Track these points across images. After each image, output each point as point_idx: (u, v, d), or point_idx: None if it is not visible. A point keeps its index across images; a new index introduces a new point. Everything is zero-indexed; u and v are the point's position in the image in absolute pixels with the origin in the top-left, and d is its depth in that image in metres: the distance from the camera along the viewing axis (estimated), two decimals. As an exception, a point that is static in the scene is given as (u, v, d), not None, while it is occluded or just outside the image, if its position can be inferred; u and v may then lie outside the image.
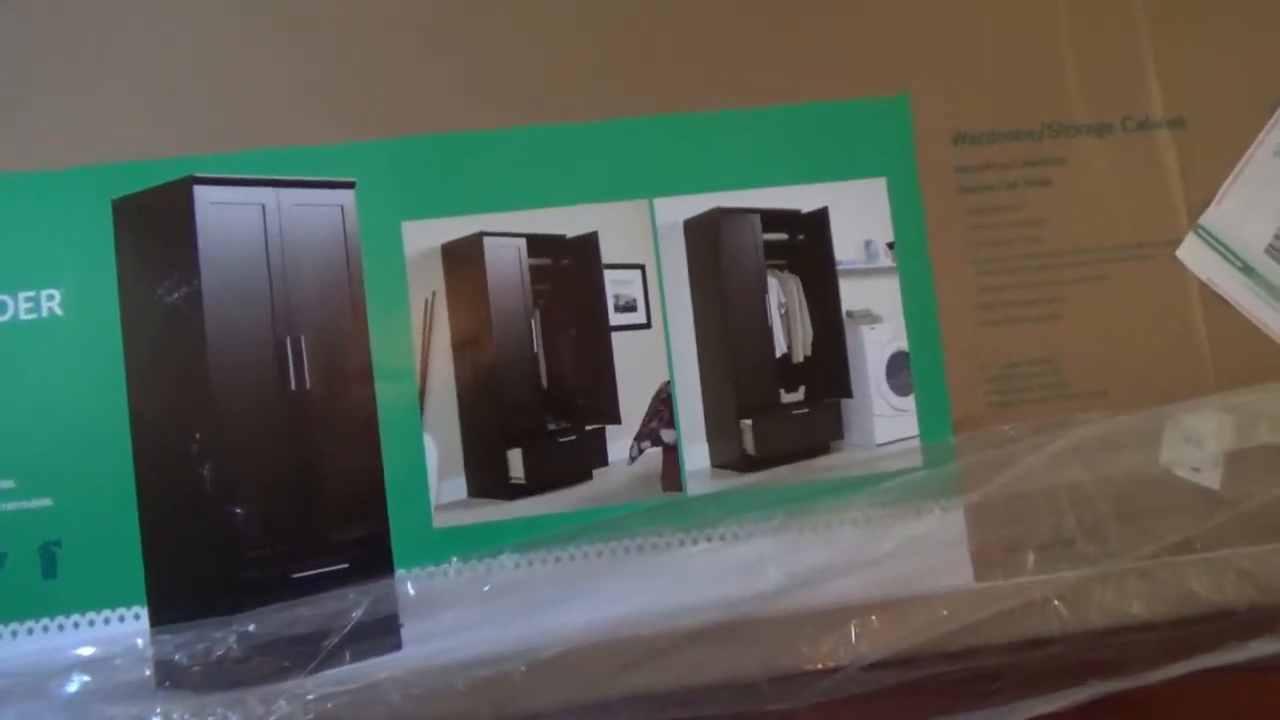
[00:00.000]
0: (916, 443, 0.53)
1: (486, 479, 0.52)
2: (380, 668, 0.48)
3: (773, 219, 0.55)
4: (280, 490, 0.50)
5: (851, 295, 0.54)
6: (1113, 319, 0.54)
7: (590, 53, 0.53)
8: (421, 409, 0.51)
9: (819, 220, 0.54)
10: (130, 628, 0.48)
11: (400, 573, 0.50)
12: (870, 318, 0.54)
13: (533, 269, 0.56)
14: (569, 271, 0.55)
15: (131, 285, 0.50)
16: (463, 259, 0.53)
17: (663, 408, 0.53)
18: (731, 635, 0.50)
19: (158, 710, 0.46)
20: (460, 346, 0.52)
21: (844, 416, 0.56)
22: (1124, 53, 0.55)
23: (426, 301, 0.52)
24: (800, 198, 0.54)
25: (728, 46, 0.54)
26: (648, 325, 0.53)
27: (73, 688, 0.46)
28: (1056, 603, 0.51)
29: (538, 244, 0.54)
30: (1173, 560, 0.51)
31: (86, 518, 0.49)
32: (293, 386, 0.51)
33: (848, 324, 0.55)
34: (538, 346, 0.56)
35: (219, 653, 0.47)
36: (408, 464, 0.51)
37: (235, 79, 0.52)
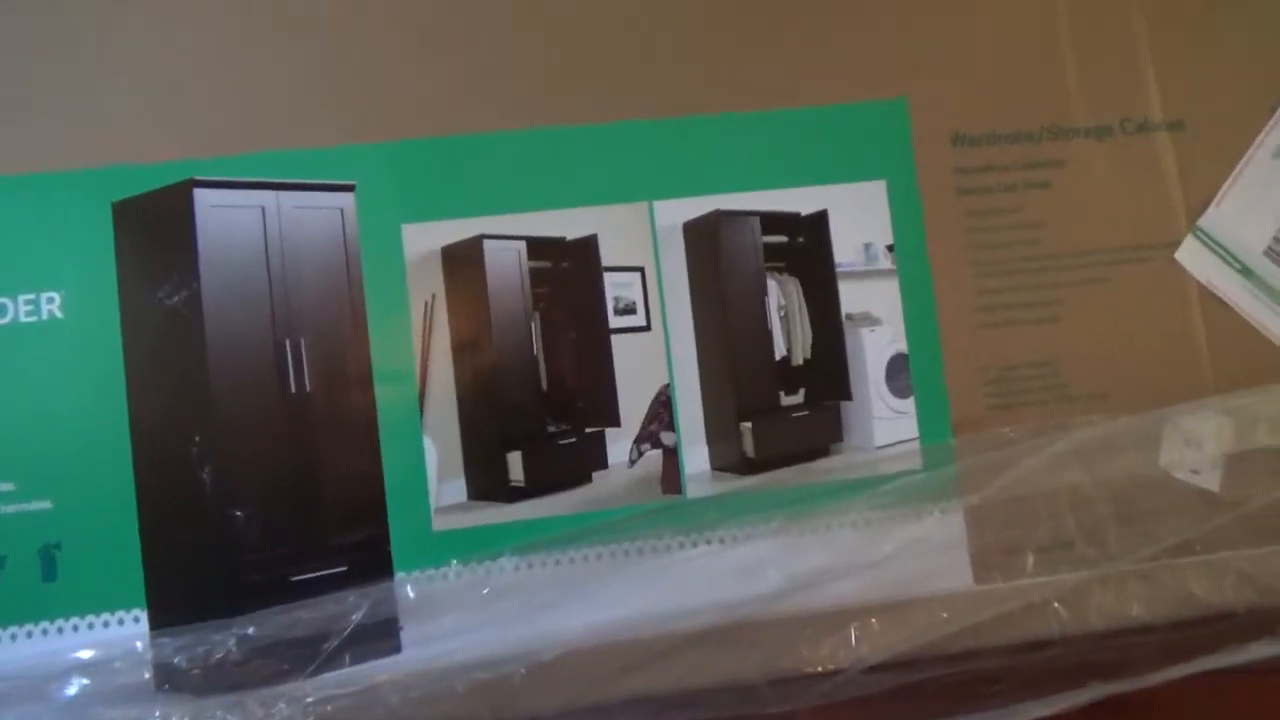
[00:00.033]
0: (916, 445, 0.53)
1: (486, 482, 0.52)
2: (380, 670, 0.48)
3: (772, 221, 0.55)
4: (280, 493, 0.50)
5: (851, 298, 0.54)
6: (1112, 321, 0.54)
7: (590, 55, 0.53)
8: (421, 412, 0.51)
9: (818, 223, 0.54)
10: (130, 631, 0.48)
11: (400, 576, 0.50)
12: (869, 320, 0.54)
13: (532, 271, 0.56)
14: (569, 274, 0.55)
15: (131, 288, 0.50)
16: (463, 262, 0.53)
17: (662, 410, 0.53)
18: (731, 638, 0.50)
19: (157, 713, 0.46)
20: (460, 349, 0.52)
21: (843, 419, 0.56)
22: (1123, 55, 0.55)
23: (426, 304, 0.52)
24: (800, 200, 0.54)
25: (727, 49, 0.54)
26: (647, 328, 0.53)
27: (72, 691, 0.46)
28: (1056, 605, 0.51)
29: (538, 246, 0.54)
30: (1172, 562, 0.51)
31: (86, 520, 0.49)
32: (292, 389, 0.51)
33: (847, 326, 0.55)
34: (537, 349, 0.56)
35: (218, 656, 0.47)
36: (407, 467, 0.51)
37: (235, 81, 0.52)
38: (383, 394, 0.51)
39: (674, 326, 0.53)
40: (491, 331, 0.56)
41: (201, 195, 0.50)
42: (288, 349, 0.51)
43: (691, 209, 0.53)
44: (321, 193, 0.51)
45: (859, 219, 0.54)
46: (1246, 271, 0.54)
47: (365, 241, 0.51)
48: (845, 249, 0.54)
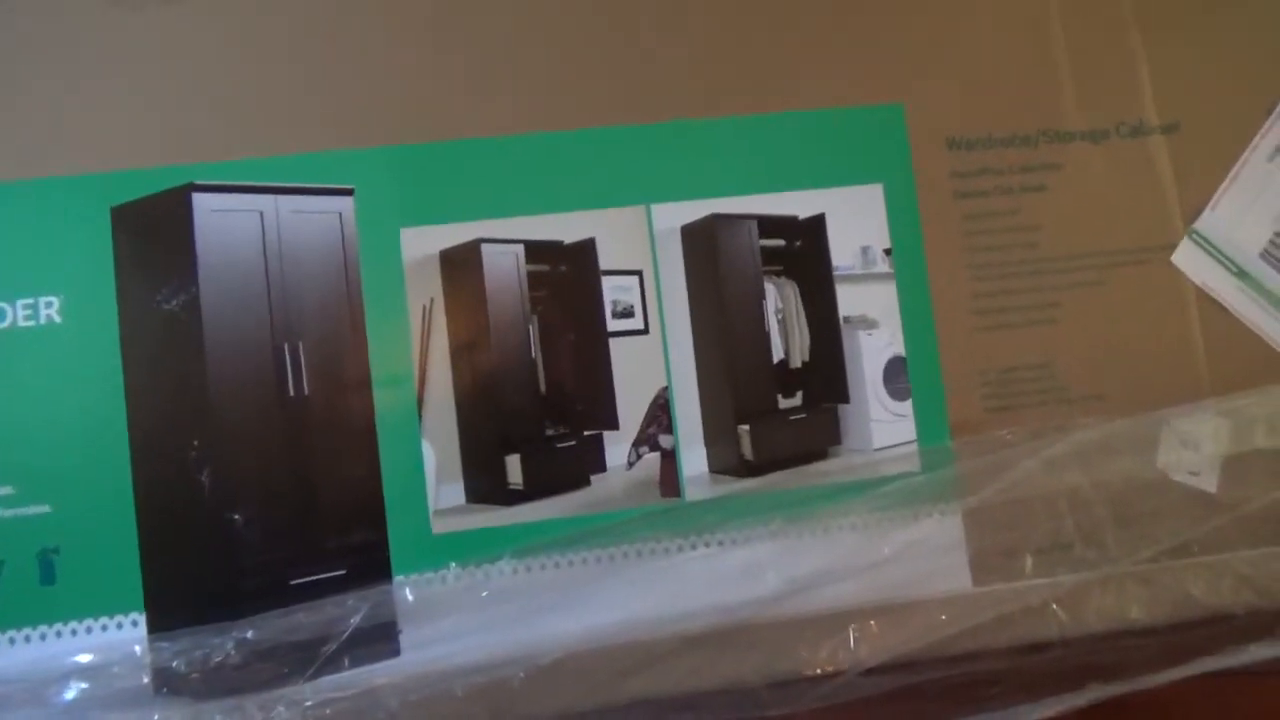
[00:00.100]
0: (914, 448, 0.53)
1: (485, 485, 0.52)
2: (378, 674, 0.48)
3: (770, 225, 0.55)
4: (279, 497, 0.50)
5: (848, 301, 0.54)
6: (1109, 324, 0.54)
7: (588, 60, 0.54)
8: (420, 415, 0.51)
9: (816, 226, 0.54)
10: (128, 634, 0.48)
11: (399, 579, 0.50)
12: (867, 323, 0.55)
13: (531, 275, 0.56)
14: (567, 277, 0.55)
15: (130, 292, 0.50)
16: (461, 265, 0.53)
17: (661, 413, 0.53)
18: (730, 641, 0.50)
19: (156, 717, 0.46)
20: (458, 353, 0.52)
21: (841, 422, 0.56)
22: (1118, 59, 0.55)
23: (425, 308, 0.52)
24: (797, 204, 0.54)
25: (725, 54, 0.54)
26: (645, 331, 0.53)
27: (71, 695, 0.46)
28: (1055, 607, 0.51)
29: (536, 250, 0.54)
30: (1171, 564, 0.51)
31: (85, 524, 0.49)
32: (291, 393, 0.51)
33: (845, 329, 0.55)
34: (536, 352, 0.56)
35: (217, 659, 0.47)
36: (406, 470, 0.51)
37: (234, 87, 0.52)
38: (381, 397, 0.51)
39: (672, 330, 0.53)
40: (490, 335, 0.56)
41: (200, 200, 0.50)
42: (286, 353, 0.51)
43: (689, 212, 0.53)
44: (320, 197, 0.51)
45: (856, 222, 0.54)
46: (1242, 274, 0.54)
47: (364, 245, 0.52)
48: (843, 252, 0.54)
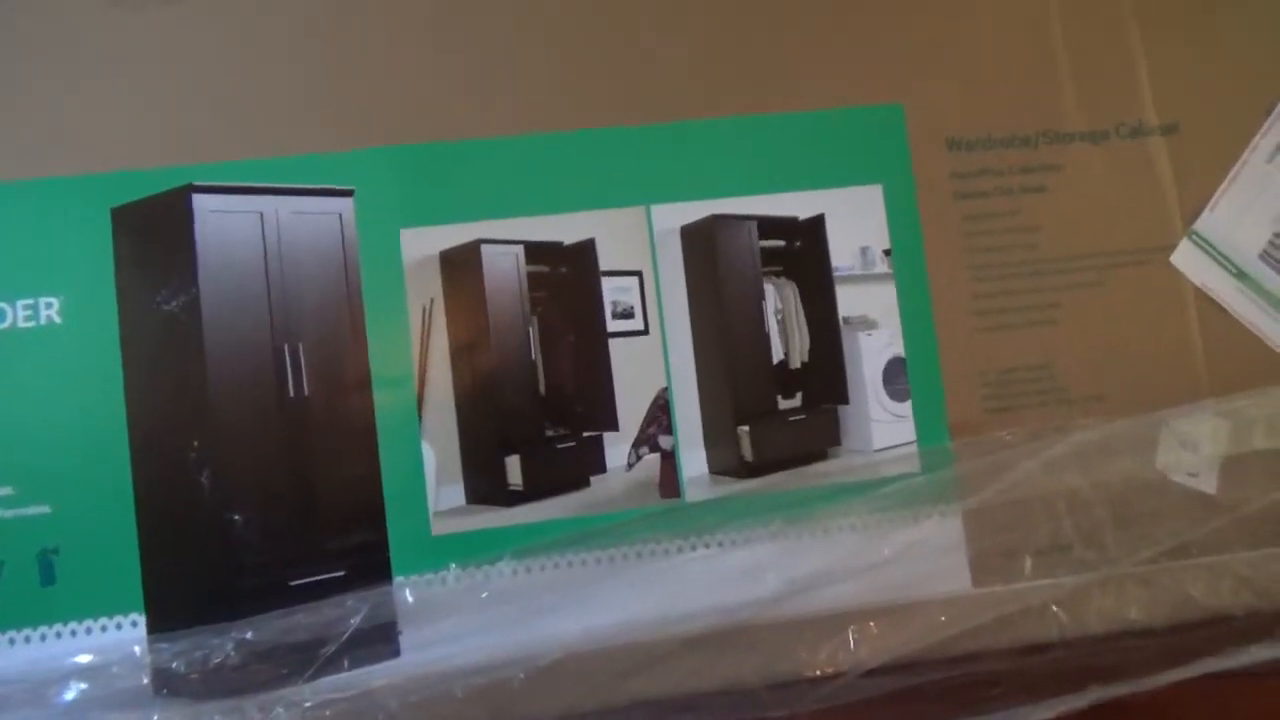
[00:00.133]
0: (914, 448, 0.53)
1: (485, 486, 0.52)
2: (378, 675, 0.48)
3: (769, 226, 0.55)
4: (278, 497, 0.50)
5: (848, 301, 0.54)
6: (1108, 325, 0.54)
7: (587, 61, 0.54)
8: (420, 416, 0.51)
9: (815, 227, 0.54)
10: (128, 635, 0.48)
11: (398, 580, 0.50)
12: (867, 324, 0.55)
13: (530, 276, 0.56)
14: (567, 278, 0.55)
15: (130, 293, 0.50)
16: (461, 266, 0.53)
17: (660, 414, 0.53)
18: (730, 642, 0.50)
19: (155, 717, 0.46)
20: (458, 353, 0.52)
21: (841, 422, 0.56)
22: (1117, 60, 0.55)
23: (425, 309, 0.52)
24: (797, 205, 0.54)
25: (725, 55, 0.54)
26: (645, 332, 0.53)
27: (70, 695, 0.46)
28: (1055, 608, 0.51)
29: (535, 251, 0.54)
30: (1170, 565, 0.51)
31: (85, 525, 0.49)
32: (291, 394, 0.51)
33: (844, 330, 0.55)
34: (535, 353, 0.56)
35: (217, 660, 0.47)
36: (406, 471, 0.51)
37: (234, 87, 0.52)
38: (381, 398, 0.51)
39: (672, 330, 0.53)
40: (490, 336, 0.56)
41: (200, 200, 0.50)
42: (286, 354, 0.51)
43: (689, 213, 0.53)
44: (320, 198, 0.51)
45: (856, 223, 0.54)
46: (1241, 275, 0.54)
47: (364, 246, 0.52)
48: (842, 253, 0.54)
